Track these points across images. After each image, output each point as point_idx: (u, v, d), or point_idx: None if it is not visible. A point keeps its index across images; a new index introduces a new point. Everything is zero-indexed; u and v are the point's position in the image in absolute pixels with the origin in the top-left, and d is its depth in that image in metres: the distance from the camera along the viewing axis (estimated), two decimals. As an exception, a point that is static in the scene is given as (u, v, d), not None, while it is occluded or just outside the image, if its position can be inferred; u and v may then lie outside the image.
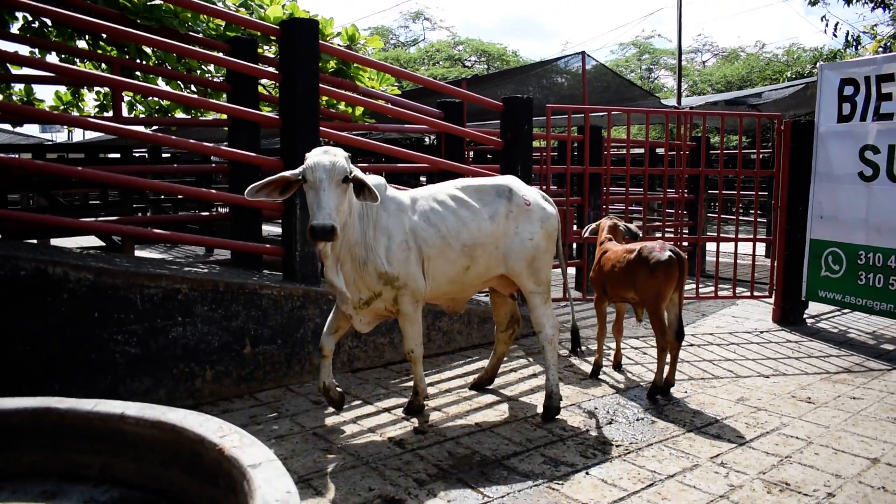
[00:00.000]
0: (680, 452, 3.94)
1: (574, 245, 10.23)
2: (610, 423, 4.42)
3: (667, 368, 4.95)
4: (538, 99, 11.43)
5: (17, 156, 12.34)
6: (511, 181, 4.61)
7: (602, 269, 5.28)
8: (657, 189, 14.46)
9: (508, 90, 11.66)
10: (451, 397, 4.90)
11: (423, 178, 13.42)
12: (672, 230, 10.49)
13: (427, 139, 16.47)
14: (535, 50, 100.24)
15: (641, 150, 15.92)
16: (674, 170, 8.65)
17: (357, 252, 3.99)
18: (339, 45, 7.42)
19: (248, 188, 3.71)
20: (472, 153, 11.96)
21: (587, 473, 3.67)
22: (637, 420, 4.47)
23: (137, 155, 17.41)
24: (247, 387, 4.89)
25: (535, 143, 11.00)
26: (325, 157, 3.62)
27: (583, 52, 10.74)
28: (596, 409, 4.68)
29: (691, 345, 6.36)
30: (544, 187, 7.83)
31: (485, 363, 5.68)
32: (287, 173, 3.75)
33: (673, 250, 4.82)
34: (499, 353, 5.12)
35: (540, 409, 4.59)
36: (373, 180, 3.98)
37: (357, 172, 3.70)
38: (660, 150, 14.58)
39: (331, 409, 4.58)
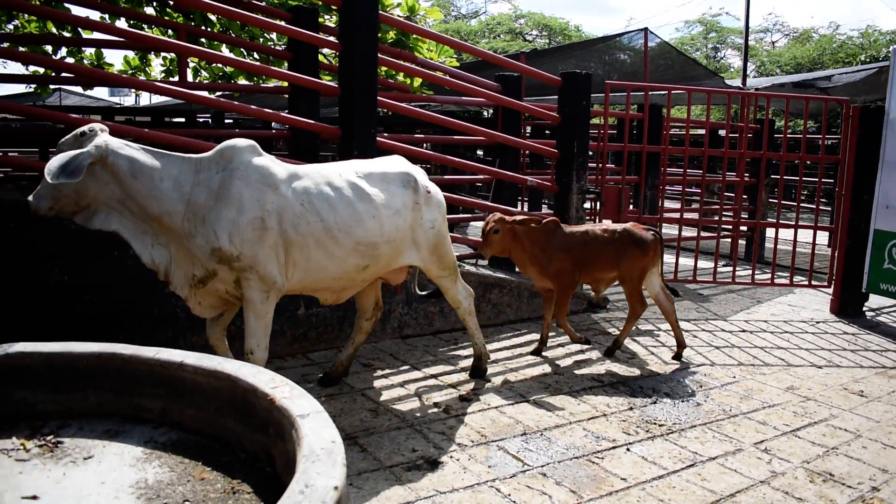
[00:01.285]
0: (723, 436, 3.95)
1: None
2: (654, 402, 4.44)
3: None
4: (598, 75, 11.32)
5: (87, 117, 12.70)
6: (410, 168, 4.23)
7: (573, 255, 5.13)
8: (717, 171, 14.21)
9: (569, 65, 11.56)
10: (499, 367, 4.97)
11: (479, 152, 13.44)
12: (730, 214, 10.34)
13: (485, 112, 16.44)
14: (597, 25, 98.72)
15: (702, 131, 15.65)
16: (734, 152, 8.51)
17: (177, 222, 3.41)
18: (399, 15, 7.46)
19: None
20: (528, 128, 11.93)
21: (628, 450, 3.71)
22: (682, 401, 4.48)
23: (201, 120, 17.79)
24: (300, 346, 5.04)
25: (594, 120, 10.92)
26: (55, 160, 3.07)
27: (645, 29, 10.57)
28: (641, 388, 4.70)
29: (743, 330, 6.30)
30: (601, 164, 7.80)
31: (535, 336, 5.73)
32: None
33: (650, 229, 5.25)
34: (357, 343, 4.60)
35: (577, 386, 4.63)
36: (239, 142, 3.56)
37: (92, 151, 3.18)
38: (721, 132, 14.31)
39: (380, 372, 4.70)
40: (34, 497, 1.77)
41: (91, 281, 4.31)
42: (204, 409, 2.12)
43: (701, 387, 4.77)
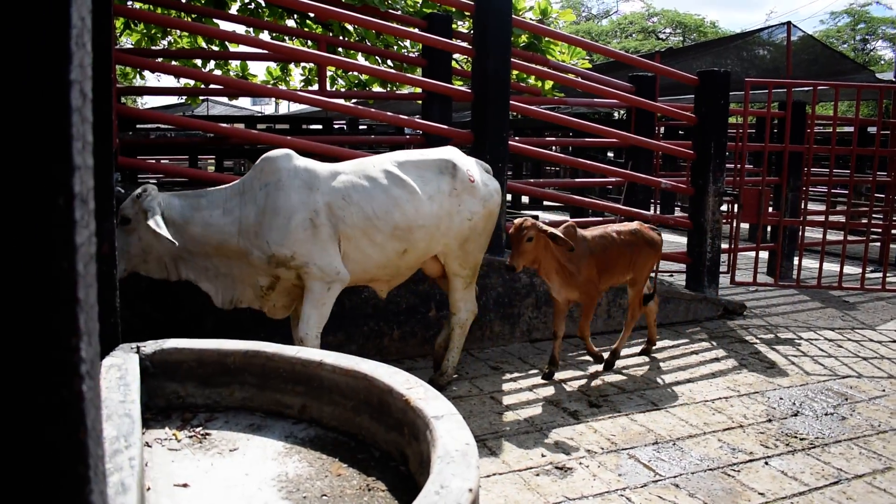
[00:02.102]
0: (871, 453, 3.71)
1: (769, 228, 9.71)
2: (795, 415, 4.22)
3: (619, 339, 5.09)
4: (737, 73, 10.86)
5: (232, 126, 13.40)
6: (454, 154, 4.19)
7: (597, 260, 4.68)
8: (866, 172, 13.34)
9: (705, 63, 11.17)
10: (629, 374, 4.87)
11: (610, 154, 13.21)
12: (881, 216, 9.68)
13: (616, 114, 16.14)
14: (735, 20, 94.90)
15: (850, 129, 14.73)
16: (887, 150, 7.97)
17: (235, 244, 3.69)
18: (531, 18, 7.45)
19: None
20: (662, 129, 11.62)
21: (766, 463, 3.54)
22: (825, 414, 4.23)
23: (337, 126, 18.38)
24: (430, 348, 5.12)
25: (731, 120, 10.50)
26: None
27: (788, 23, 10.07)
28: (781, 399, 4.48)
29: (894, 341, 5.89)
30: (739, 166, 7.49)
31: (665, 343, 5.58)
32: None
33: (655, 229, 5.17)
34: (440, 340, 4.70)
35: (712, 395, 4.47)
36: (274, 153, 3.78)
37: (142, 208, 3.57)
38: (871, 129, 13.42)
39: (508, 375, 4.70)
40: (185, 485, 1.88)
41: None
42: (341, 406, 2.19)
43: (846, 399, 4.49)
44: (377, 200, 3.84)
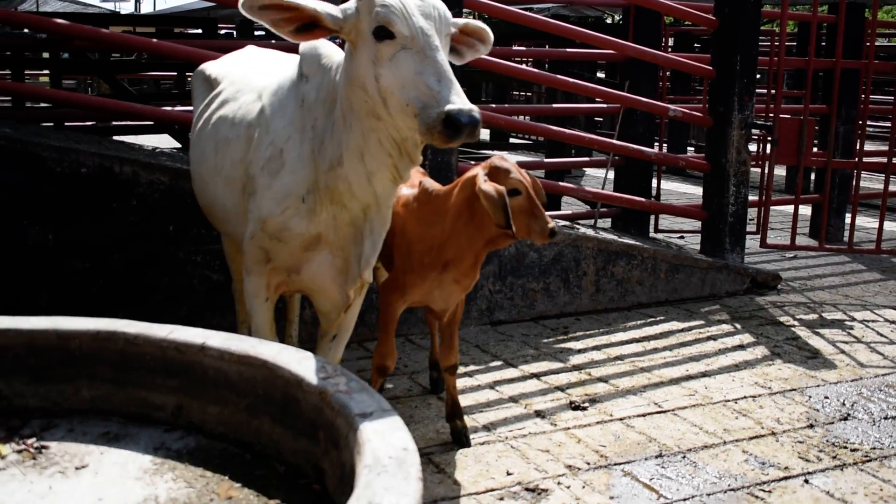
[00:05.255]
0: (944, 466, 3.84)
1: (812, 173, 9.90)
2: (845, 418, 4.34)
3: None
4: (773, -37, 11.00)
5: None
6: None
7: None
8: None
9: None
10: (624, 366, 4.95)
11: (600, 73, 13.28)
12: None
13: (609, 17, 16.21)
14: None
15: (922, 42, 15.05)
16: (968, 70, 8.16)
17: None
18: None
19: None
20: (671, 38, 11.71)
21: (806, 482, 3.64)
22: (885, 418, 4.36)
23: (224, 32, 18.07)
24: (355, 334, 5.11)
25: (764, 26, 10.62)
26: None
27: None
28: (826, 398, 4.60)
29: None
30: (774, 89, 7.60)
31: (673, 325, 5.67)
32: (325, 9, 2.91)
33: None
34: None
35: (735, 394, 4.58)
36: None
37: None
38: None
39: (462, 369, 4.73)
40: (13, 516, 1.86)
41: (81, 242, 4.46)
42: (232, 406, 2.18)
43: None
44: None
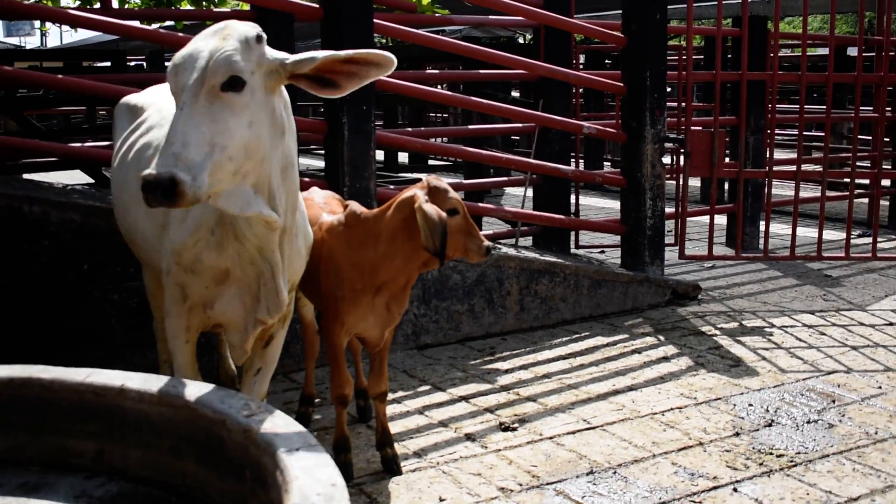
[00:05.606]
0: (868, 468, 3.91)
1: (726, 184, 10.09)
2: (769, 424, 4.41)
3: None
4: (677, -21, 11.22)
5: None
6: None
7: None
8: (847, 106, 14.06)
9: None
10: (551, 384, 4.97)
11: (515, 93, 13.40)
12: (867, 165, 10.21)
13: (521, 37, 16.38)
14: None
15: (825, 51, 15.46)
16: (871, 76, 8.41)
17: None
18: None
19: None
20: (582, 55, 11.87)
21: (735, 490, 3.69)
22: (808, 422, 4.44)
23: (133, 64, 17.87)
24: (280, 365, 5.05)
25: (672, 41, 10.82)
26: (203, 42, 2.86)
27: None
28: (751, 405, 4.68)
29: (890, 324, 6.24)
30: (684, 102, 7.73)
31: (598, 340, 5.72)
32: None
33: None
34: None
35: (662, 406, 4.63)
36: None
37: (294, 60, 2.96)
38: (851, 51, 14.13)
39: (391, 395, 4.71)
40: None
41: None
42: (154, 449, 2.14)
43: (833, 402, 4.73)
44: None
